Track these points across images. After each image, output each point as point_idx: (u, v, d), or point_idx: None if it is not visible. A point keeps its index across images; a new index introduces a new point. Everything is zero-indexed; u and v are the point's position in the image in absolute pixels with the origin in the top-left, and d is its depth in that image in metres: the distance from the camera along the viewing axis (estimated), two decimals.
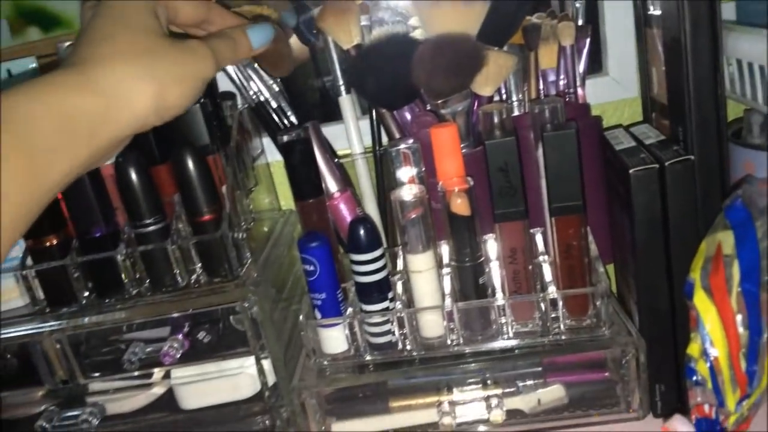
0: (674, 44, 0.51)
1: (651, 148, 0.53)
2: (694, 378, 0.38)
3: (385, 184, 0.68)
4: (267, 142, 0.72)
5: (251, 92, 0.64)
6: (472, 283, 0.56)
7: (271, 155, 0.72)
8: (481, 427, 0.56)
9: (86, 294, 0.56)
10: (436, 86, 0.56)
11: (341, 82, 0.67)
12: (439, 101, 0.58)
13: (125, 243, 0.55)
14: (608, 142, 0.57)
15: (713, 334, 0.38)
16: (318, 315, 0.57)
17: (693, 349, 0.39)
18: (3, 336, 0.55)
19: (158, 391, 0.58)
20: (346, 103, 0.68)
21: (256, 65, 0.64)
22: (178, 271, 0.55)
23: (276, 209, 0.73)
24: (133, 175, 0.53)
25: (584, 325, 0.55)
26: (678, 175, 0.49)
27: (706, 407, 0.38)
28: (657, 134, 0.56)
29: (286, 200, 0.75)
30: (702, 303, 0.38)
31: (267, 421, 0.59)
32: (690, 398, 0.39)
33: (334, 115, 0.70)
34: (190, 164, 0.53)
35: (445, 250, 0.60)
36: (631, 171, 0.49)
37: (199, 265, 0.56)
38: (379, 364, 0.58)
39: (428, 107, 0.63)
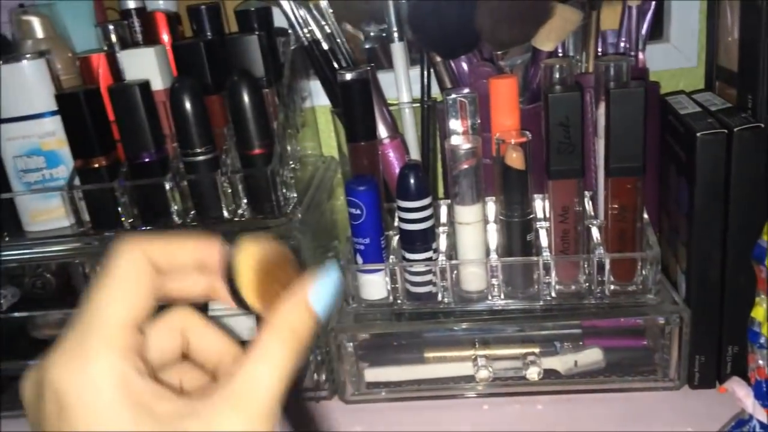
0: (751, 8, 0.50)
1: (717, 114, 0.52)
2: (758, 341, 0.38)
3: (430, 136, 0.67)
4: (313, 85, 0.71)
5: (305, 30, 0.63)
6: (519, 239, 0.55)
7: (317, 99, 0.71)
8: (517, 384, 0.56)
9: (131, 220, 0.55)
10: (500, 35, 0.55)
11: (395, 28, 0.66)
12: (500, 52, 0.57)
13: (174, 171, 0.54)
14: (670, 107, 0.56)
15: None
16: (360, 260, 0.57)
17: (758, 312, 0.38)
18: (45, 253, 0.54)
19: None
20: (398, 50, 0.66)
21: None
22: (224, 204, 0.54)
23: (318, 155, 0.72)
24: (188, 102, 0.52)
25: (629, 291, 0.55)
26: (746, 142, 0.47)
27: None
28: (722, 102, 0.54)
29: (327, 147, 0.74)
30: None
31: (300, 362, 0.59)
32: (750, 361, 0.38)
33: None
34: (247, 94, 0.52)
35: (490, 207, 0.60)
36: (698, 134, 0.48)
37: (245, 200, 0.56)
38: (416, 313, 0.57)
39: (485, 58, 0.61)
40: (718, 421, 0.50)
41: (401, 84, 0.67)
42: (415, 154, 0.68)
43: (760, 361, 0.37)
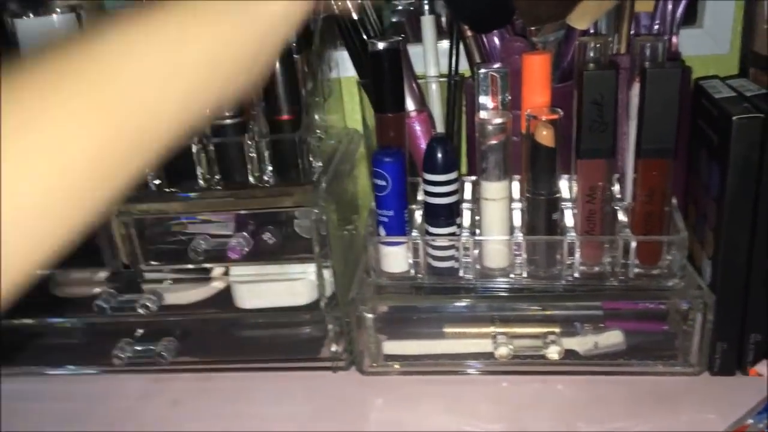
0: None
1: (752, 99, 0.51)
2: None
3: (456, 112, 0.67)
4: (339, 57, 0.70)
5: None
6: (545, 218, 0.55)
7: (343, 71, 0.71)
8: (535, 363, 0.56)
9: (157, 181, 0.55)
10: (537, 10, 0.54)
11: (426, 1, 0.65)
12: (534, 28, 0.56)
13: (201, 134, 0.54)
14: (704, 90, 0.55)
15: None
16: (382, 232, 0.57)
17: None
18: None
19: (217, 286, 0.58)
20: (428, 23, 0.66)
21: None
22: (250, 168, 0.54)
23: (342, 126, 0.72)
24: None
25: (654, 274, 0.55)
26: None
27: None
28: (757, 87, 0.54)
29: (351, 120, 0.74)
30: None
31: (319, 331, 0.59)
32: None
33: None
34: (278, 59, 0.51)
35: (515, 185, 0.59)
36: (734, 118, 0.48)
37: (270, 167, 0.55)
38: (437, 288, 0.57)
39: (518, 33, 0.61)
40: (737, 407, 0.50)
41: (429, 58, 0.67)
42: (439, 130, 0.67)
43: None
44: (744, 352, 0.54)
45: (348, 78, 0.71)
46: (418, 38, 0.68)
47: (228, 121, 0.54)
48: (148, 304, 0.56)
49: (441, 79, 0.66)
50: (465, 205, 0.60)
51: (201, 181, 0.55)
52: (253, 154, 0.54)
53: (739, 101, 0.51)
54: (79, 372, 0.60)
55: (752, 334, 0.53)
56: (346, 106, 0.73)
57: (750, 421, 0.40)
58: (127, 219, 0.54)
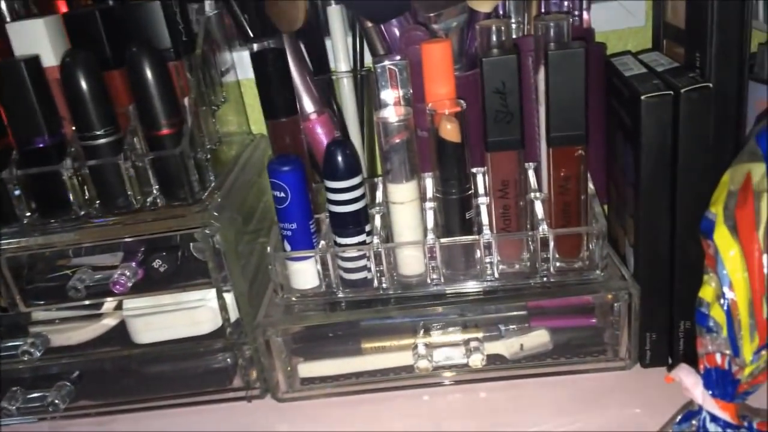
0: None
1: (664, 75, 0.48)
2: (706, 324, 0.34)
3: (367, 108, 0.63)
4: (238, 57, 0.65)
5: None
6: (458, 218, 0.51)
7: (242, 72, 0.66)
8: (460, 372, 0.53)
9: (28, 213, 0.49)
10: None
11: None
12: (432, 14, 0.52)
13: (72, 156, 0.48)
14: (615, 68, 0.52)
15: (733, 275, 0.33)
16: (287, 247, 0.52)
17: (706, 292, 0.35)
18: None
19: (109, 323, 0.53)
20: (335, 14, 0.61)
21: None
22: (131, 192, 0.49)
23: (246, 132, 0.67)
24: (82, 78, 0.46)
25: (575, 268, 0.51)
26: (694, 104, 0.44)
27: (718, 357, 0.34)
28: (669, 61, 0.51)
29: (257, 124, 0.69)
30: (723, 240, 0.34)
31: (229, 359, 0.54)
32: (699, 347, 0.35)
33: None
34: (149, 68, 0.46)
35: (428, 183, 0.56)
36: (642, 98, 0.44)
37: (156, 186, 0.50)
38: (351, 302, 0.53)
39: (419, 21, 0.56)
40: (671, 401, 0.47)
41: (338, 52, 0.62)
42: (354, 127, 0.63)
43: (710, 347, 0.34)
44: (674, 341, 0.51)
45: (249, 80, 0.66)
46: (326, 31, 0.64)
47: (101, 141, 0.48)
48: (30, 350, 0.51)
49: (348, 75, 0.62)
50: (378, 209, 0.56)
51: (77, 209, 0.49)
52: (132, 175, 0.49)
53: (649, 78, 0.48)
54: None
55: (681, 322, 0.50)
56: (250, 109, 0.68)
57: (670, 431, 0.37)
58: None
